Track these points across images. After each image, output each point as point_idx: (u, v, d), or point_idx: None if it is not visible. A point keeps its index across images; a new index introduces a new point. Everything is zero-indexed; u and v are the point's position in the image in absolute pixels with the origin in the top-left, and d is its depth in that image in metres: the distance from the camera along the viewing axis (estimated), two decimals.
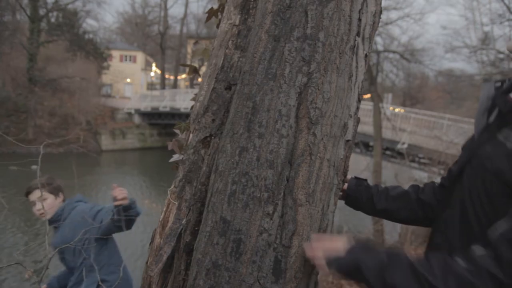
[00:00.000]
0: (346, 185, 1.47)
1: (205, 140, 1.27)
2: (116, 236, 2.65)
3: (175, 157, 1.35)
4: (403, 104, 31.99)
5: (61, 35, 31.04)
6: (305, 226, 1.07)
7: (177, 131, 1.42)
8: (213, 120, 1.27)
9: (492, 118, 1.14)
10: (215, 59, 1.33)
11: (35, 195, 2.53)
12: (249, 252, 1.03)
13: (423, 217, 1.39)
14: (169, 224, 1.28)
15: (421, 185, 1.45)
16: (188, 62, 1.62)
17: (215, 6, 1.44)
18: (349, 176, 1.47)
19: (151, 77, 49.89)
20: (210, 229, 1.08)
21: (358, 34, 1.18)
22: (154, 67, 49.56)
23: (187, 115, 1.71)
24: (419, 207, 1.39)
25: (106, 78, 39.38)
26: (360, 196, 1.45)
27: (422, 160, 15.73)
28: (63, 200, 2.69)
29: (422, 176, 14.72)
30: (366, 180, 1.50)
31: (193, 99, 1.42)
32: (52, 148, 25.24)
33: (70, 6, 32.69)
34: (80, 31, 34.14)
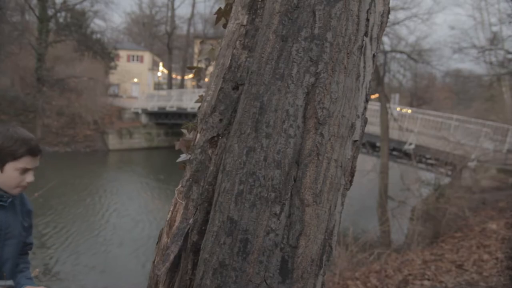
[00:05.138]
0: None
1: (212, 140, 1.28)
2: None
3: (183, 156, 1.36)
4: (410, 105, 31.84)
5: (69, 35, 31.36)
6: (312, 227, 1.07)
7: (184, 131, 1.42)
8: (221, 120, 1.27)
9: None
10: (222, 59, 1.33)
11: (37, 161, 1.67)
12: (256, 252, 1.03)
13: None
14: (176, 224, 1.29)
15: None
16: (195, 63, 1.62)
17: (223, 6, 1.44)
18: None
19: (158, 77, 50.10)
20: (217, 228, 1.08)
21: (366, 34, 1.18)
22: (161, 67, 49.76)
23: (194, 115, 1.70)
24: None
25: (113, 78, 39.64)
26: None
27: (429, 161, 15.63)
28: None
29: (429, 177, 14.63)
30: None
31: (198, 101, 1.42)
32: (59, 147, 25.44)
33: (78, 7, 33.02)
34: (88, 31, 34.44)
